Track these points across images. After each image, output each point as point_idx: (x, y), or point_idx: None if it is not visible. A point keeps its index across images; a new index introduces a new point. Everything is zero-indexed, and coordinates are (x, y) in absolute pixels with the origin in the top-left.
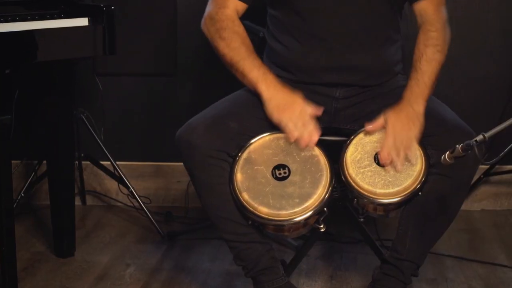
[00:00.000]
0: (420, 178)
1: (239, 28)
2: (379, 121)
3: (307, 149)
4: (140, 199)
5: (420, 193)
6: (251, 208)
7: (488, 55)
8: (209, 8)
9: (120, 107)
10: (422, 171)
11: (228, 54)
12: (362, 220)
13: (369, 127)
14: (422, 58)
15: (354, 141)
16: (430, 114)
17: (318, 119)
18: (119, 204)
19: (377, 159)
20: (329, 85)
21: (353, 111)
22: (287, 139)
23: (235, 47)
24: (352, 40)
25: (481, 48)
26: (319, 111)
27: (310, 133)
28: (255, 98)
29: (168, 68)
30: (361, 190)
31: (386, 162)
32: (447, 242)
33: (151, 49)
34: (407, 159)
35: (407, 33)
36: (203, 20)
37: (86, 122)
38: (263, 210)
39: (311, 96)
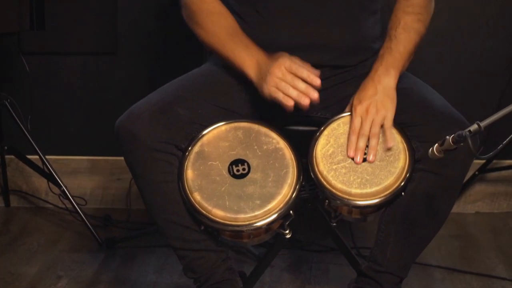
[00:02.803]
0: (403, 176)
1: (213, 4)
2: (348, 106)
3: (270, 142)
4: (73, 200)
5: (403, 193)
6: (203, 211)
7: (484, 29)
8: None
9: (51, 92)
10: (406, 167)
11: (208, 42)
12: (335, 225)
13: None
14: (399, 25)
15: (325, 132)
16: (415, 101)
17: (280, 107)
18: (49, 205)
19: None
20: None
21: (324, 96)
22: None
23: (213, 32)
24: (321, 12)
25: (475, 21)
26: (315, 71)
27: (306, 89)
28: (211, 80)
29: (106, 46)
30: (334, 190)
31: (355, 155)
32: (436, 250)
33: (87, 23)
34: (385, 148)
35: (388, 2)
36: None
37: (10, 110)
38: (218, 213)
39: None
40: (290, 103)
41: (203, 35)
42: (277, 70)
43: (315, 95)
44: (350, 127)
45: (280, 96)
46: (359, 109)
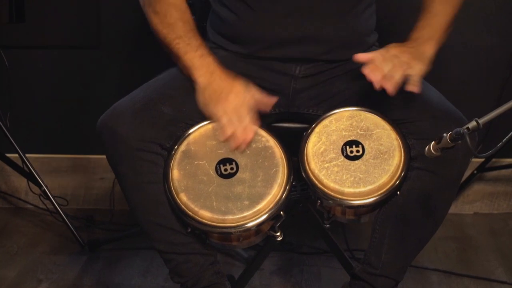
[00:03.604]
0: (398, 174)
1: None
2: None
3: (259, 140)
4: (54, 200)
5: (398, 192)
6: (190, 213)
7: (483, 24)
8: None
9: (30, 88)
10: (401, 165)
11: (161, 32)
12: (327, 226)
13: (359, 55)
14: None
15: (317, 129)
16: (411, 96)
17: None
18: (29, 206)
19: (345, 152)
20: (286, 60)
21: (316, 92)
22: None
23: (170, 23)
24: (314, 5)
25: (474, 16)
26: (269, 100)
27: (245, 129)
28: None
29: (89, 40)
30: (326, 190)
31: (375, 75)
32: (433, 253)
33: (69, 15)
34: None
35: None
36: None
37: None
38: (205, 214)
39: (265, 74)
40: (228, 132)
41: (159, 25)
42: (235, 98)
43: (251, 135)
44: (375, 55)
45: (223, 121)
46: (393, 49)
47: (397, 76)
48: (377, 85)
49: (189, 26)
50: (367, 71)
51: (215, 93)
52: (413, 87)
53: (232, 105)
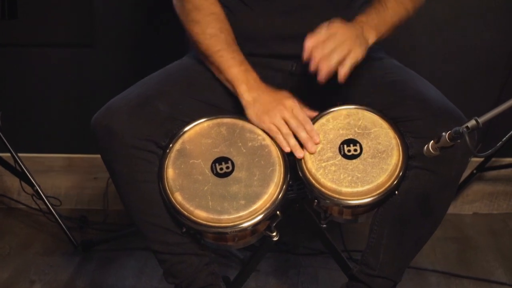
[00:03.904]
0: (396, 174)
1: (216, 8)
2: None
3: (255, 138)
4: (47, 200)
5: (396, 192)
6: (185, 212)
7: (482, 21)
8: None
9: (23, 86)
10: (399, 164)
11: (203, 43)
12: (324, 226)
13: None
14: None
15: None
16: (409, 94)
17: None
18: (21, 206)
19: (342, 150)
20: (283, 57)
21: (313, 89)
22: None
23: (213, 34)
24: (310, 0)
25: (473, 12)
26: (311, 113)
27: (310, 132)
28: (193, 73)
29: (83, 37)
30: (323, 189)
31: (315, 53)
32: (431, 253)
33: (62, 12)
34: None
35: None
36: None
37: None
38: (200, 214)
39: (261, 71)
40: (286, 149)
41: (201, 36)
42: (286, 111)
43: (312, 149)
44: (314, 34)
45: (279, 138)
46: (338, 27)
47: (334, 61)
48: (313, 66)
49: (231, 38)
50: (308, 45)
51: (266, 106)
52: (342, 75)
53: (288, 110)
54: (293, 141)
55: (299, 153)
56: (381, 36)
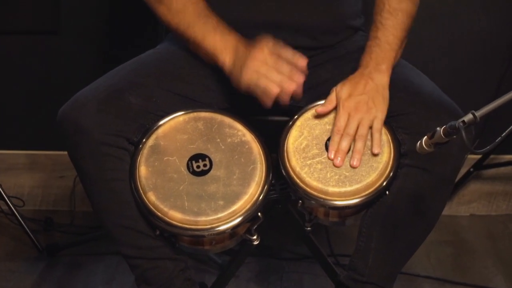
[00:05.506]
0: (387, 172)
1: None
2: (331, 98)
3: (235, 134)
4: (10, 200)
5: (387, 192)
6: (159, 213)
7: (481, 8)
8: None
9: None
10: (390, 162)
11: (172, 22)
12: (309, 229)
13: (319, 108)
14: (383, 9)
15: (298, 123)
16: (401, 86)
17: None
18: None
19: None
20: None
21: None
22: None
23: (179, 9)
24: None
25: (471, 1)
26: (301, 61)
27: (291, 76)
28: (167, 63)
29: (47, 24)
30: (308, 189)
31: (336, 156)
32: (425, 258)
33: None
34: (371, 151)
35: None
36: None
37: None
38: (175, 215)
39: None
40: (275, 89)
41: (168, 15)
42: (259, 53)
43: (300, 78)
44: (334, 125)
45: (262, 82)
46: (347, 105)
47: (365, 134)
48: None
49: (200, 7)
50: (335, 140)
51: (240, 61)
52: (376, 148)
53: (261, 60)
54: (278, 77)
55: (287, 86)
56: (395, 60)
